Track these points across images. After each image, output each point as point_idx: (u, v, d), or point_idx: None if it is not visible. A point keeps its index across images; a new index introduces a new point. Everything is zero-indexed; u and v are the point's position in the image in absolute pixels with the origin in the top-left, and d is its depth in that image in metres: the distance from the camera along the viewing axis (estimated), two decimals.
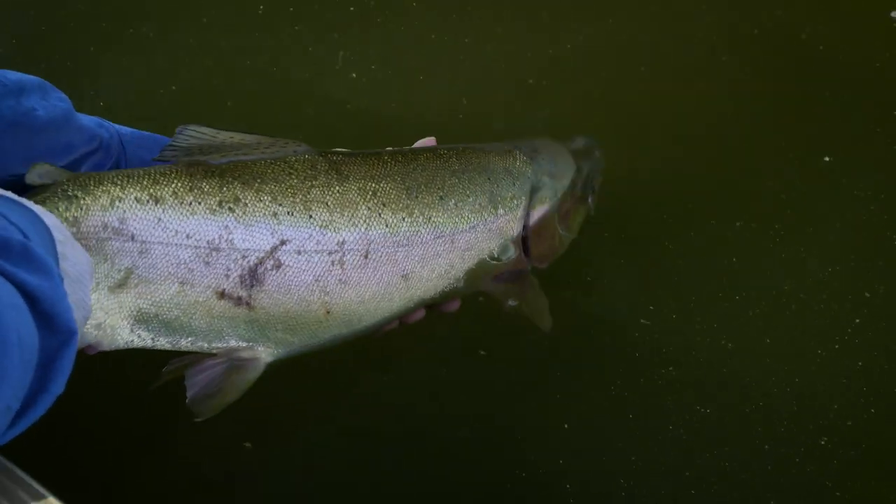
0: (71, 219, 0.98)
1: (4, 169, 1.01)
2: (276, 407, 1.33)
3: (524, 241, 1.20)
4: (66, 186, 1.00)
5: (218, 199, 1.04)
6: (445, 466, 1.33)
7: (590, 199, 1.28)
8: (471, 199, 1.15)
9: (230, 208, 1.04)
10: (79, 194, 0.99)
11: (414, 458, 1.33)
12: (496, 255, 1.17)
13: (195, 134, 1.06)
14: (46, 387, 0.78)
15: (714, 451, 1.33)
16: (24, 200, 0.92)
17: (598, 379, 1.39)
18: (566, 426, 1.35)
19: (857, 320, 1.43)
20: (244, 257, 1.04)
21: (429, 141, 1.25)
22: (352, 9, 1.77)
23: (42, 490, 0.81)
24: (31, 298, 0.76)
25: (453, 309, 1.21)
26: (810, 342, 1.42)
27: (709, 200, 1.55)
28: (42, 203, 0.98)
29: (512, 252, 1.18)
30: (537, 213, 1.20)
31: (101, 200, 0.99)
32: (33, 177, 0.98)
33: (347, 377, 1.40)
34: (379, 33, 1.74)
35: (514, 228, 1.18)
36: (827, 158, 1.58)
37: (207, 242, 1.03)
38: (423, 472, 1.32)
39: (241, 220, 1.04)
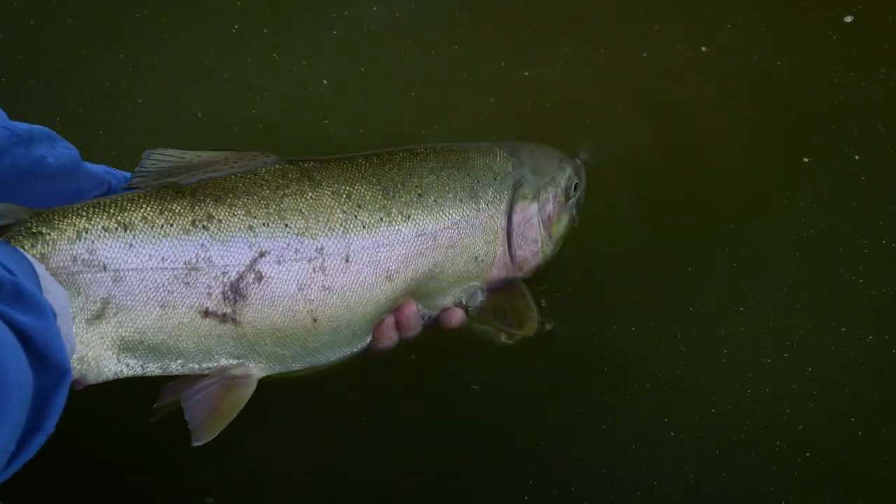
0: (38, 256, 0.97)
1: None
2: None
3: (509, 241, 1.18)
4: (29, 224, 0.99)
5: (190, 218, 1.03)
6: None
7: (574, 210, 1.26)
8: (451, 195, 1.14)
9: (204, 226, 1.03)
10: (43, 230, 0.99)
11: None
12: (481, 256, 1.16)
13: (162, 157, 1.07)
14: (41, 425, 0.78)
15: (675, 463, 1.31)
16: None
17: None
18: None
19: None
20: (224, 273, 1.03)
21: None
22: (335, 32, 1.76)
23: None
24: (24, 338, 0.76)
25: (455, 323, 1.17)
26: (762, 351, 1.40)
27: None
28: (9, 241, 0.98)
29: (498, 251, 1.17)
30: (520, 209, 1.19)
31: (67, 233, 0.99)
32: None
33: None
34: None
35: (499, 223, 1.17)
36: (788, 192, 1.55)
37: (185, 263, 1.02)
38: None
39: (217, 237, 1.03)
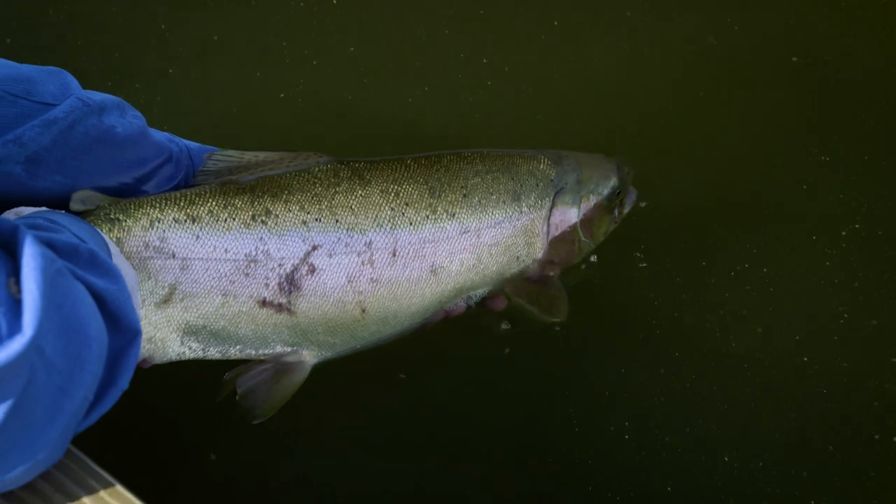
0: (115, 240, 1.04)
1: (91, 181, 1.08)
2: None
3: (548, 242, 1.23)
4: (108, 210, 1.07)
5: (251, 213, 1.10)
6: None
7: (616, 212, 1.31)
8: (494, 197, 1.19)
9: (263, 221, 1.10)
10: (120, 217, 1.06)
11: None
12: (522, 255, 1.22)
13: (223, 158, 1.14)
14: (115, 381, 0.86)
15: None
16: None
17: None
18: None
19: None
20: (280, 265, 1.10)
21: None
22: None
23: (109, 478, 0.86)
24: (100, 301, 0.84)
25: (499, 307, 1.24)
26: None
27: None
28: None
29: (538, 252, 1.23)
30: (560, 213, 1.24)
31: (141, 222, 1.06)
32: (76, 203, 1.06)
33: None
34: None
35: (539, 227, 1.22)
36: None
37: (245, 255, 1.09)
38: None
39: (274, 231, 1.10)
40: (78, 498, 0.83)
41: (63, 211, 1.01)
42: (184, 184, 1.17)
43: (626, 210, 1.33)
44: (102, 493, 0.85)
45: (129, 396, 0.89)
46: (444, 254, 1.17)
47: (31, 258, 0.73)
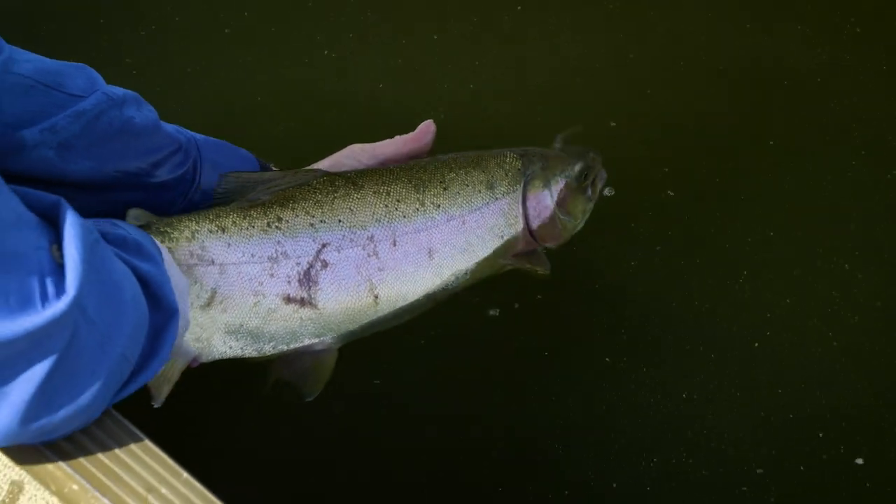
0: (165, 249, 1.19)
1: (115, 165, 1.24)
2: None
3: (527, 221, 1.39)
4: (157, 225, 1.23)
5: (266, 221, 1.27)
6: None
7: (588, 191, 1.46)
8: (469, 188, 1.36)
9: (277, 226, 1.27)
10: (168, 230, 1.23)
11: None
12: (505, 234, 1.38)
13: (233, 178, 1.32)
14: (157, 353, 1.01)
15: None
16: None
17: None
18: None
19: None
20: (298, 263, 1.26)
21: (428, 125, 1.42)
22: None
23: (179, 468, 0.95)
24: (143, 282, 0.99)
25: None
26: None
27: None
28: None
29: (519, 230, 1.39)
30: (534, 198, 1.40)
31: (184, 234, 1.23)
32: (131, 219, 1.23)
33: None
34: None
35: (517, 209, 1.39)
36: None
37: (267, 257, 1.25)
38: None
39: (288, 234, 1.27)
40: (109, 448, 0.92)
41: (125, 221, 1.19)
42: (192, 172, 1.35)
43: (600, 187, 1.49)
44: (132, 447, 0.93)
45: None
46: (437, 239, 1.33)
47: (71, 227, 0.85)
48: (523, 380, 1.63)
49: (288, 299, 1.25)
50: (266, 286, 1.24)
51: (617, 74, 1.98)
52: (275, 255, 1.25)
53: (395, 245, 1.30)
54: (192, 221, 1.24)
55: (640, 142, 1.89)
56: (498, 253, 1.37)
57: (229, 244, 1.23)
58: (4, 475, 0.90)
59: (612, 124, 1.90)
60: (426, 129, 1.40)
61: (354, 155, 1.41)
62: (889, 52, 1.99)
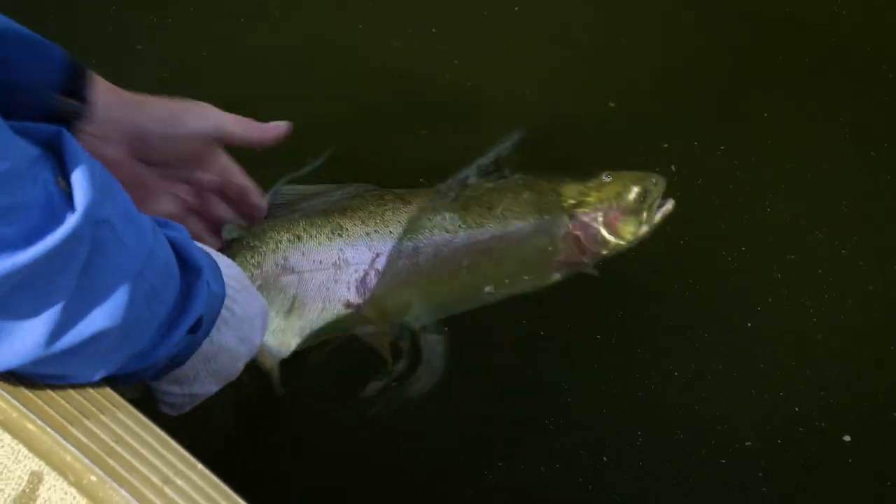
0: (255, 263, 1.30)
1: None
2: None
3: (573, 239, 1.48)
4: (248, 239, 1.33)
5: (329, 228, 1.35)
6: None
7: (644, 215, 1.53)
8: (516, 209, 1.45)
9: (339, 234, 1.34)
10: (257, 244, 1.32)
11: None
12: (549, 250, 1.47)
13: (289, 191, 1.41)
14: (190, 307, 1.02)
15: None
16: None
17: None
18: None
19: None
20: (356, 271, 1.34)
21: (282, 126, 1.37)
22: None
23: (194, 459, 0.97)
24: (174, 247, 1.02)
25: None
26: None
27: None
28: (233, 256, 1.29)
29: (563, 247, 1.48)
30: (580, 215, 1.48)
31: (270, 245, 1.32)
32: (226, 233, 1.31)
33: None
34: None
35: (561, 227, 1.47)
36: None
37: (332, 264, 1.34)
38: None
39: (349, 243, 1.35)
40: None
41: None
42: None
43: (658, 215, 1.55)
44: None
45: None
46: (474, 252, 1.42)
47: (73, 152, 0.86)
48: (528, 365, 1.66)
49: (347, 304, 1.34)
50: (332, 291, 1.32)
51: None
52: (338, 263, 1.33)
53: (436, 256, 1.39)
54: (274, 232, 1.32)
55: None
56: (538, 270, 1.47)
57: (304, 252, 1.31)
58: (25, 466, 0.92)
59: (611, 105, 1.90)
60: (277, 128, 1.35)
61: (198, 116, 1.29)
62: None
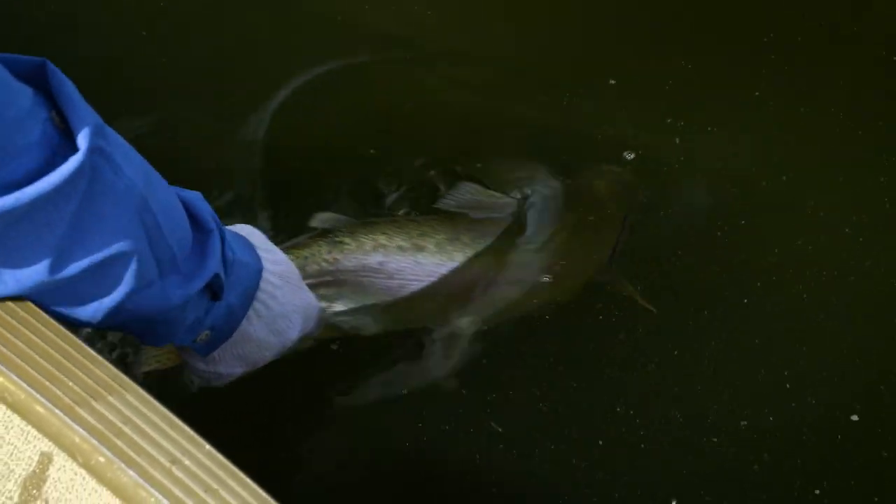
0: (331, 259, 1.35)
1: None
2: None
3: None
4: (339, 233, 1.39)
5: (373, 236, 1.40)
6: None
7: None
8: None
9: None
10: (346, 240, 1.38)
11: None
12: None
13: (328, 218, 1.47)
14: (205, 265, 1.06)
15: None
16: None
17: None
18: None
19: None
20: (390, 277, 1.41)
21: None
22: None
23: (202, 440, 0.97)
24: (186, 207, 1.05)
25: None
26: None
27: None
28: (308, 245, 1.37)
29: None
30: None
31: (364, 246, 1.39)
32: (317, 222, 1.39)
33: None
34: None
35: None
36: None
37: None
38: None
39: (387, 253, 1.41)
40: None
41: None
42: None
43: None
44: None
45: None
46: (484, 274, 1.49)
47: (61, 84, 0.85)
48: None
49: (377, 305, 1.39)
50: (368, 291, 1.38)
51: None
52: (377, 268, 1.39)
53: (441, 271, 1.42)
54: (377, 234, 1.39)
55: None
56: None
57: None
58: (35, 447, 0.93)
59: (612, 81, 1.91)
60: None
61: None
62: None
